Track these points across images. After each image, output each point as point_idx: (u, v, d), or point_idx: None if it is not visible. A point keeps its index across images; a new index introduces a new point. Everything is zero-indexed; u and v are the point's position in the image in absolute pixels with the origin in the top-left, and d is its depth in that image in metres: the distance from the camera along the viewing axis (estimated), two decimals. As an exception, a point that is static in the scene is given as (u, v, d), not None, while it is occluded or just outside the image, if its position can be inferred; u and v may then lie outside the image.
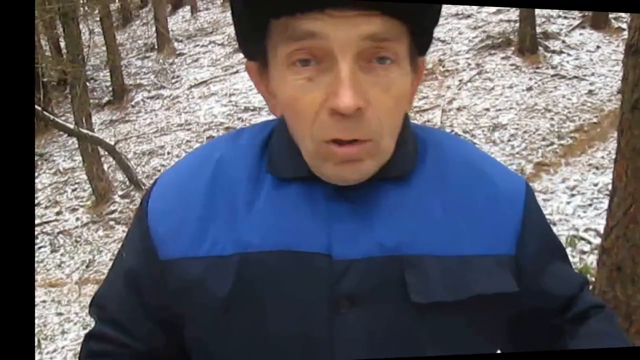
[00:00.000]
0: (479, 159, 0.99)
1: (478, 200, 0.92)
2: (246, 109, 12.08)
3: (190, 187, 0.91)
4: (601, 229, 4.20)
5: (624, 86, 2.83)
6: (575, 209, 6.72)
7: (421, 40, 0.87)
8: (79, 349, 4.08)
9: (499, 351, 1.03)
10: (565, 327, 0.95)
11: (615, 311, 2.81)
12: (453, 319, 0.87)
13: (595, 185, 7.13)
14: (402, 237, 0.86)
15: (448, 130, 9.34)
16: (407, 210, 0.88)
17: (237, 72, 14.05)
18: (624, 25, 10.70)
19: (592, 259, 5.28)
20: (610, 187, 3.13)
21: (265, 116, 11.60)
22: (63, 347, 6.24)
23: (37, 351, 6.11)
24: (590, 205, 6.73)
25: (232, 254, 0.85)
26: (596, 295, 2.79)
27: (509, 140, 8.90)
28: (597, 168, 7.59)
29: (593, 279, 3.33)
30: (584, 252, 5.74)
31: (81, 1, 15.83)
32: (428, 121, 9.71)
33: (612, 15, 11.50)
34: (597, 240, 5.38)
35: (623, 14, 11.11)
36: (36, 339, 6.34)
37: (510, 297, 0.89)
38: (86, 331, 4.10)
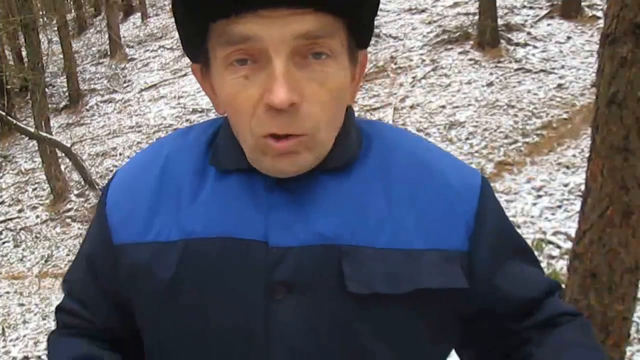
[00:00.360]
0: (428, 153, 0.91)
1: (425, 194, 0.85)
2: (194, 111, 11.87)
3: (141, 180, 0.89)
4: (572, 232, 3.84)
5: (599, 79, 2.46)
6: (543, 210, 5.88)
7: (359, 34, 0.80)
8: (39, 337, 4.51)
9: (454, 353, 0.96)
10: (530, 334, 0.88)
11: (590, 321, 2.54)
12: (397, 313, 0.81)
13: (566, 185, 6.25)
14: (339, 228, 0.81)
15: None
16: (346, 201, 0.82)
17: (185, 75, 13.79)
18: (599, 14, 9.57)
19: (561, 264, 4.66)
20: (582, 187, 2.74)
21: (212, 117, 11.38)
22: (25, 336, 6.15)
23: (1, 339, 6.17)
24: (559, 207, 5.88)
25: (177, 240, 0.82)
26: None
27: (467, 139, 8.07)
28: (567, 167, 6.72)
29: (564, 286, 2.88)
30: (552, 257, 5.02)
31: (41, 12, 15.70)
32: (379, 120, 8.42)
33: (585, 3, 10.30)
34: (568, 245, 4.76)
35: (597, 2, 10.12)
36: (0, 328, 6.44)
37: (462, 295, 0.83)
38: (45, 321, 4.53)
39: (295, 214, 0.81)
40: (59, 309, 0.99)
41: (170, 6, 0.82)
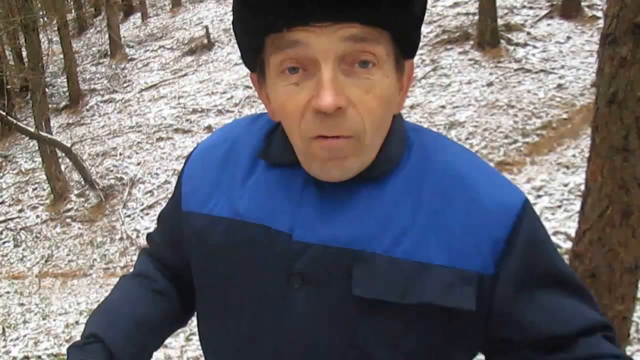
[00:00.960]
0: (467, 166, 0.90)
1: (453, 209, 0.86)
2: (194, 111, 11.88)
3: (211, 157, 1.01)
4: (572, 232, 3.81)
5: (599, 79, 2.46)
6: (543, 210, 5.80)
7: (404, 44, 0.84)
8: (39, 337, 4.50)
9: None
10: None
11: None
12: (401, 322, 0.85)
13: (566, 185, 6.22)
14: (358, 234, 0.85)
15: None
16: (372, 210, 0.86)
17: (185, 75, 13.82)
18: (599, 14, 9.58)
19: None
20: (582, 187, 2.74)
21: (213, 117, 11.67)
22: (25, 336, 6.13)
23: (1, 339, 6.18)
24: (559, 207, 5.83)
25: (226, 217, 0.94)
26: None
27: (467, 139, 8.02)
28: (567, 167, 6.69)
29: None
30: None
31: (41, 12, 15.71)
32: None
33: (585, 3, 10.31)
34: (568, 245, 4.73)
35: (597, 2, 10.12)
36: (0, 327, 6.44)
37: (472, 317, 0.84)
38: (45, 321, 4.53)
39: (321, 214, 0.88)
40: (149, 235, 1.19)
41: (231, 23, 0.90)
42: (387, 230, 0.85)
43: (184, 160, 1.14)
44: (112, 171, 11.04)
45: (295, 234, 0.88)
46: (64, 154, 10.77)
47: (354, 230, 0.85)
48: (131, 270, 1.18)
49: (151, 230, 1.21)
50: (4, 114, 10.54)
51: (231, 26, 0.90)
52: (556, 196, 6.08)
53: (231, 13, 0.88)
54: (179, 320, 1.13)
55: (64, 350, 5.40)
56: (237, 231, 0.93)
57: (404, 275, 0.83)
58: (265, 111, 0.99)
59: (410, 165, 0.89)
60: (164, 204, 1.40)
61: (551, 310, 0.85)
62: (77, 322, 6.07)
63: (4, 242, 10.24)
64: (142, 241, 8.33)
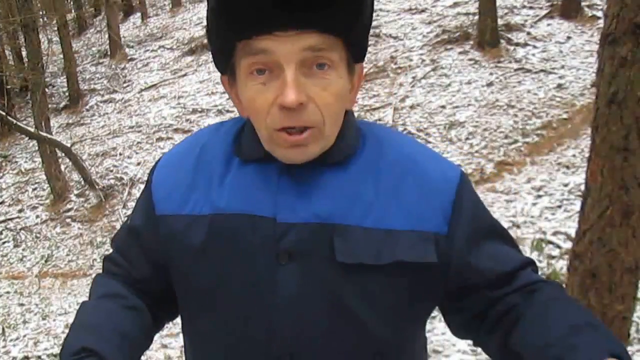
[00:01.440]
0: (413, 149, 1.08)
1: (408, 184, 1.01)
2: (194, 111, 11.91)
3: (182, 164, 1.09)
4: (572, 232, 3.83)
5: (599, 79, 2.48)
6: (543, 210, 5.88)
7: (354, 49, 0.99)
8: (39, 337, 4.50)
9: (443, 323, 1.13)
10: (514, 299, 1.01)
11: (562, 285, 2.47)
12: (378, 281, 0.98)
13: (566, 185, 6.27)
14: (333, 210, 0.98)
15: (400, 128, 8.54)
16: (341, 189, 1.00)
17: (185, 75, 13.83)
18: (599, 14, 9.66)
19: (561, 264, 4.65)
20: (582, 187, 2.76)
21: (213, 117, 11.65)
22: (25, 336, 6.13)
23: (1, 339, 6.16)
24: (559, 207, 5.88)
25: (207, 214, 1.02)
26: None
27: (467, 139, 8.14)
28: (567, 167, 6.76)
29: (564, 285, 2.87)
30: (552, 257, 5.00)
31: (41, 12, 15.70)
32: (379, 120, 9.09)
33: (585, 3, 10.37)
34: (568, 245, 4.75)
35: (597, 2, 10.14)
36: (0, 327, 6.42)
37: (438, 269, 1.00)
38: (45, 321, 4.53)
39: (299, 197, 1.00)
40: (106, 258, 1.21)
41: (205, 29, 1.01)
42: (356, 205, 0.99)
43: None
44: (112, 171, 11.04)
45: (278, 217, 0.99)
46: (63, 154, 10.77)
47: (329, 207, 0.99)
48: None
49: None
50: (4, 114, 10.59)
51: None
52: (556, 196, 6.12)
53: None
54: (152, 334, 1.16)
55: (64, 350, 5.38)
56: (221, 224, 1.01)
57: (376, 241, 0.98)
58: (226, 119, 1.15)
59: (367, 150, 1.05)
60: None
61: (495, 256, 1.04)
62: (77, 322, 5.98)
63: (4, 242, 10.23)
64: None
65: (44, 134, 10.61)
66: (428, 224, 1.00)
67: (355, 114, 1.11)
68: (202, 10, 16.83)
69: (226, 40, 0.96)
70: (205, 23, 1.01)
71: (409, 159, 1.05)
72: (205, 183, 1.05)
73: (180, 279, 1.09)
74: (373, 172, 1.02)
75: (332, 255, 0.97)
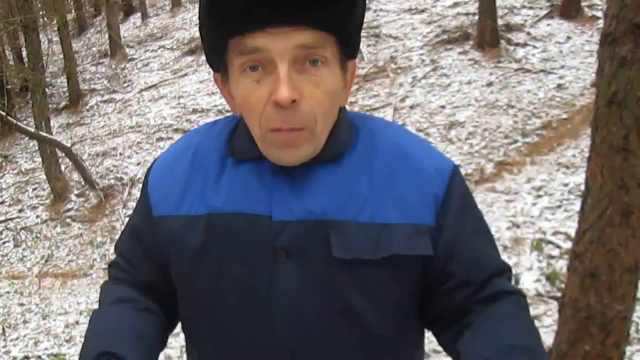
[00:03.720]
0: (407, 142, 1.07)
1: (402, 178, 1.01)
2: (194, 111, 11.90)
3: (176, 165, 1.09)
4: (572, 232, 3.75)
5: (599, 79, 2.46)
6: (542, 210, 5.85)
7: (347, 46, 0.98)
8: (39, 337, 4.52)
9: None
10: (474, 307, 1.02)
11: (589, 321, 2.58)
12: (375, 275, 0.99)
13: (566, 185, 6.23)
14: (329, 206, 0.98)
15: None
16: (335, 186, 1.00)
17: (185, 75, 13.84)
18: (599, 14, 9.64)
19: (561, 264, 4.66)
20: (582, 187, 2.73)
21: (213, 117, 11.63)
22: (25, 336, 6.18)
23: (1, 339, 6.20)
24: (559, 207, 5.84)
25: (203, 214, 1.02)
26: (567, 303, 2.66)
27: (467, 139, 8.10)
28: (567, 167, 6.70)
29: (563, 285, 2.92)
30: (552, 257, 4.96)
31: (41, 12, 15.68)
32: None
33: (585, 3, 10.33)
34: (568, 245, 4.75)
35: (597, 2, 10.10)
36: (0, 327, 6.45)
37: (428, 261, 1.01)
38: (45, 321, 4.55)
39: (294, 195, 1.00)
40: (110, 265, 1.21)
41: (197, 27, 1.01)
42: (351, 200, 0.99)
43: None
44: (112, 171, 11.04)
45: (274, 215, 0.99)
46: (63, 154, 10.77)
47: (324, 204, 0.99)
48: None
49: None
50: (4, 114, 10.56)
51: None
52: (556, 196, 6.08)
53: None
54: (167, 334, 1.18)
55: (64, 350, 5.43)
56: (218, 224, 1.02)
57: (372, 235, 0.98)
58: (219, 118, 1.15)
59: (360, 146, 1.04)
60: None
61: (473, 259, 1.03)
62: (77, 322, 6.07)
63: (4, 242, 10.24)
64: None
65: (44, 134, 10.61)
66: (423, 217, 1.00)
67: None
68: (202, 10, 16.76)
69: (218, 37, 0.95)
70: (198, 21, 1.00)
71: (402, 151, 1.05)
72: (201, 183, 1.05)
73: (179, 279, 1.09)
74: (367, 166, 1.02)
75: (328, 251, 0.98)
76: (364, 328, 1.01)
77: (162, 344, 1.14)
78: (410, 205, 1.00)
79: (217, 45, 0.97)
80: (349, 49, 1.00)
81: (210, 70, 1.07)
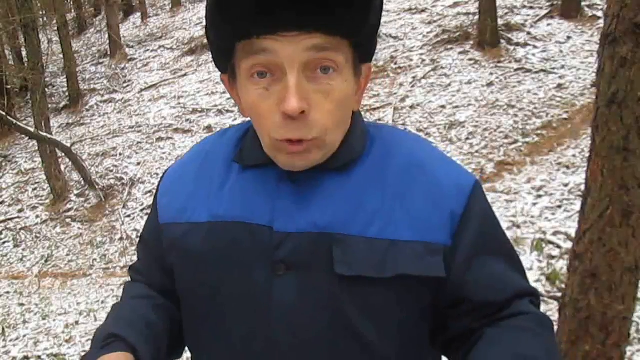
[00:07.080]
0: (425, 154, 1.02)
1: (416, 192, 0.96)
2: (194, 111, 11.87)
3: (185, 172, 1.10)
4: (572, 232, 3.89)
5: (599, 79, 2.45)
6: (543, 210, 5.85)
7: (362, 50, 0.94)
8: (39, 337, 4.53)
9: None
10: (484, 329, 0.96)
11: (590, 321, 2.58)
12: (380, 295, 0.94)
13: (566, 185, 6.23)
14: (335, 219, 0.94)
15: (400, 129, 7.84)
16: (343, 197, 0.95)
17: (185, 75, 13.83)
18: (599, 14, 9.66)
19: (561, 264, 4.65)
20: (582, 187, 2.72)
21: (213, 117, 11.65)
22: (25, 336, 6.13)
23: (1, 339, 6.16)
24: (559, 207, 5.84)
25: (205, 222, 1.01)
26: (567, 303, 2.65)
27: (467, 139, 8.08)
28: (567, 167, 6.71)
29: (563, 285, 2.91)
30: (552, 257, 4.93)
31: (41, 12, 15.68)
32: (379, 119, 8.99)
33: (585, 3, 10.32)
34: (568, 245, 4.77)
35: (597, 2, 10.10)
36: (0, 327, 6.40)
37: (439, 284, 0.95)
38: (45, 321, 4.57)
39: (298, 205, 0.96)
40: (130, 267, 1.23)
41: (204, 29, 0.98)
42: (359, 213, 0.94)
43: None
44: (112, 171, 11.02)
45: (275, 226, 0.96)
46: (63, 154, 10.76)
47: (329, 216, 0.94)
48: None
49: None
50: (4, 114, 10.54)
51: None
52: (556, 196, 6.10)
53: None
54: (181, 335, 1.14)
55: (63, 350, 5.43)
56: (219, 232, 1.00)
57: (379, 252, 0.92)
58: (221, 118, 1.10)
59: (373, 155, 1.00)
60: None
61: (493, 282, 0.97)
62: (77, 322, 6.07)
63: (4, 242, 10.22)
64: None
65: (44, 134, 10.59)
66: (436, 235, 0.94)
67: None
68: (202, 10, 16.79)
69: (227, 39, 0.92)
70: (204, 23, 0.98)
71: (419, 163, 0.99)
72: (206, 190, 1.04)
73: (181, 287, 1.08)
74: (379, 178, 0.97)
75: (331, 266, 0.93)
76: (364, 347, 0.96)
77: (175, 340, 1.12)
78: (424, 222, 0.95)
79: (225, 47, 0.94)
80: (363, 53, 0.96)
81: (210, 70, 1.06)
